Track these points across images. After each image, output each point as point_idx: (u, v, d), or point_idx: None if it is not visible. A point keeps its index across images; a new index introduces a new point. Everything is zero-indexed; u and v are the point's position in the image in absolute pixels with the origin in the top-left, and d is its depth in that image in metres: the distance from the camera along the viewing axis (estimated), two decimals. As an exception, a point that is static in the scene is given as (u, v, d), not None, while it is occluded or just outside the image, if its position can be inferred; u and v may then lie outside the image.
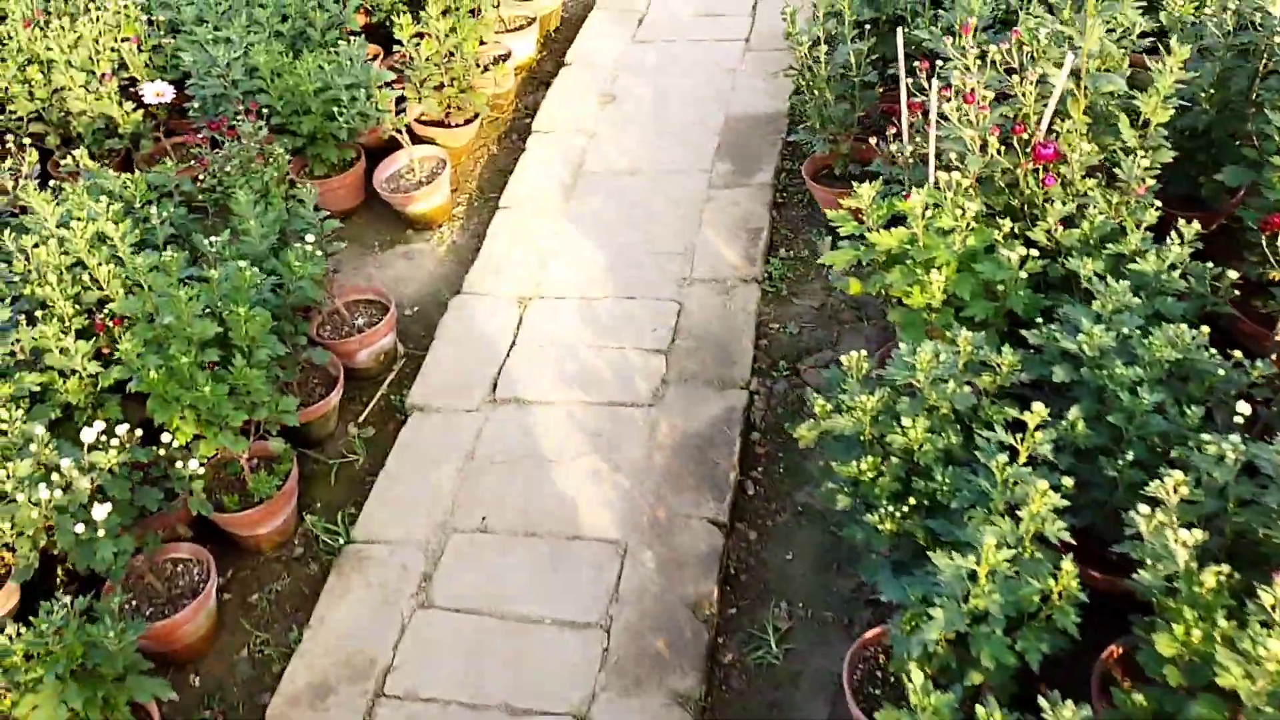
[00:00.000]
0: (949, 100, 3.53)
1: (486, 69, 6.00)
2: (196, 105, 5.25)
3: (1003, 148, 3.54)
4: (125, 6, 5.62)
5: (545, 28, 6.85)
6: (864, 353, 3.02)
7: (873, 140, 4.18)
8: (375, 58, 5.98)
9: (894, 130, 4.06)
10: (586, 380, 4.36)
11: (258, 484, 3.77)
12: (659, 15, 6.74)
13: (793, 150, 5.49)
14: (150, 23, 5.69)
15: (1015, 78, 3.59)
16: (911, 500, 2.78)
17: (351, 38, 5.54)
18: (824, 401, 2.97)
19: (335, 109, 5.06)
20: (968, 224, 3.29)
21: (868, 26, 4.77)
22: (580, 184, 5.45)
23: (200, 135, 4.65)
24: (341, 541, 3.87)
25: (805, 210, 5.13)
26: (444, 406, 4.33)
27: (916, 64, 3.84)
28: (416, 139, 5.55)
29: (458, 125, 5.73)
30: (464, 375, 4.47)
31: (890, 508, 2.78)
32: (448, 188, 5.45)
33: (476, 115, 5.77)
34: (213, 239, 3.97)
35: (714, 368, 4.34)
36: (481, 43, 5.91)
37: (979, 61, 3.57)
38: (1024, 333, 3.12)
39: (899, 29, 3.79)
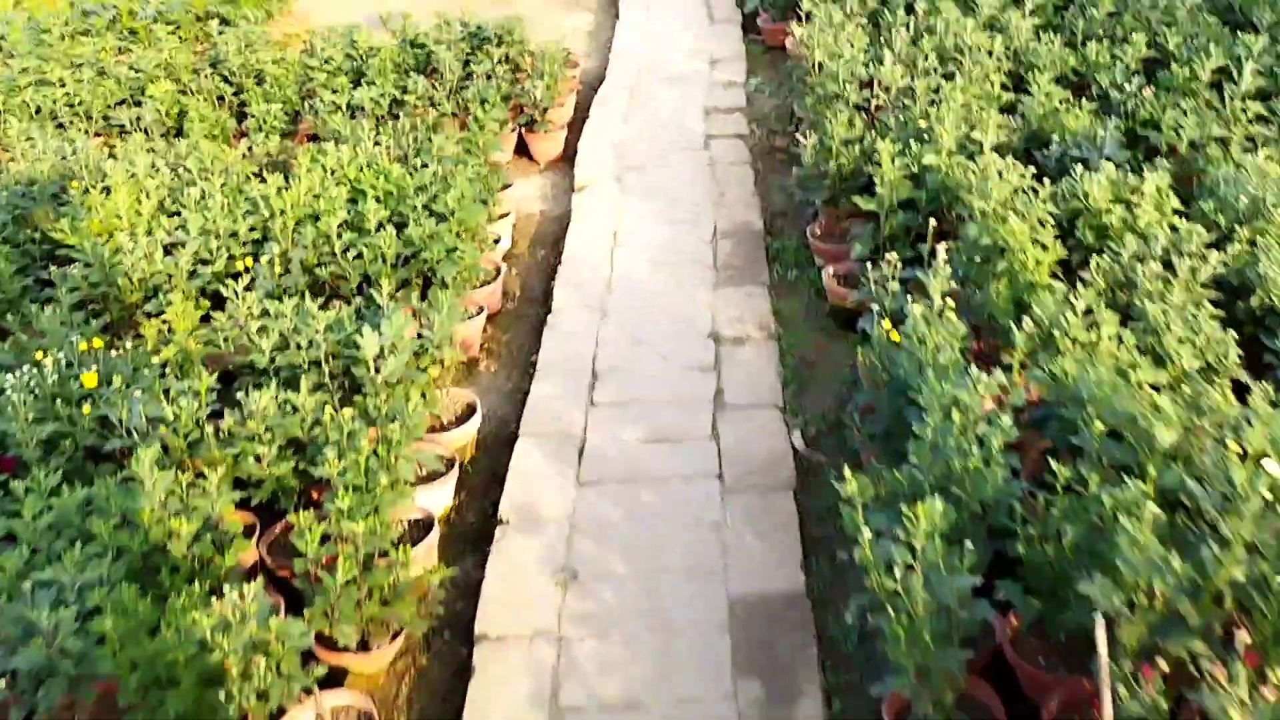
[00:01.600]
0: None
1: (406, 544, 4.56)
2: (2, 685, 3.59)
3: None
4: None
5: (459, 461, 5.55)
6: None
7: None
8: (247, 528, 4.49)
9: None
10: None
11: None
12: (602, 443, 5.50)
13: (832, 652, 4.24)
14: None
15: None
16: None
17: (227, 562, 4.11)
18: None
19: (221, 691, 3.52)
20: None
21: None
22: (563, 730, 4.00)
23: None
24: None
25: (882, 757, 3.84)
26: None
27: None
28: (325, 678, 3.98)
29: (379, 647, 4.23)
30: None
31: None
32: (380, 757, 3.90)
33: (402, 629, 4.30)
34: None
35: None
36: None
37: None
38: None
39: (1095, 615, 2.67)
